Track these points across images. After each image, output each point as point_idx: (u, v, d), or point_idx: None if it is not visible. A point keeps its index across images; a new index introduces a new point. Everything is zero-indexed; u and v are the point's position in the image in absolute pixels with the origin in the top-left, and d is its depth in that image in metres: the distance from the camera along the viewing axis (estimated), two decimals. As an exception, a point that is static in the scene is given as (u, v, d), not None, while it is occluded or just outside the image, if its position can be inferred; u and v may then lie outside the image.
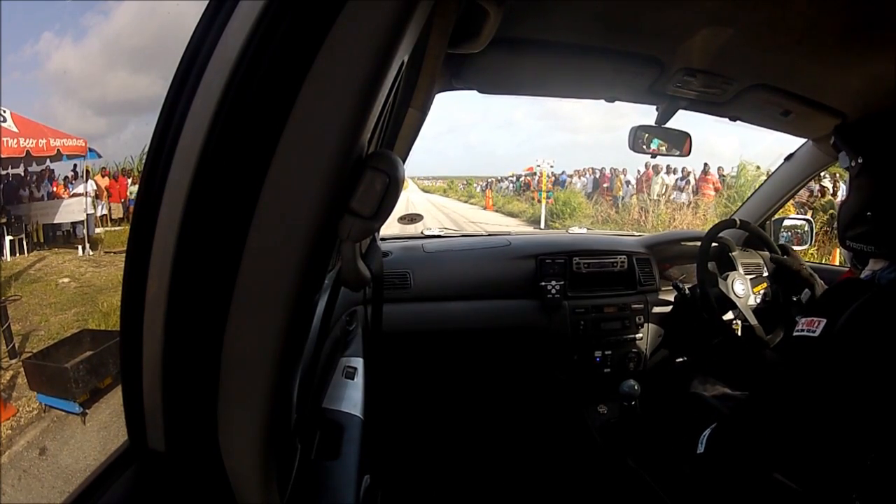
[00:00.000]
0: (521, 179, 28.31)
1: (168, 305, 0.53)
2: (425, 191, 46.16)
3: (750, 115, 1.76)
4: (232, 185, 0.50)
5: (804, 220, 2.29)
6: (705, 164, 14.20)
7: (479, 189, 39.08)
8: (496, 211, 22.64)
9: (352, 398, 1.21)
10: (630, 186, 15.93)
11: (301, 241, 0.51)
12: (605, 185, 17.41)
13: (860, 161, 1.18)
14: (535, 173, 24.70)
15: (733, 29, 1.19)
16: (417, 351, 1.89)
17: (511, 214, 20.10)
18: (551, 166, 18.98)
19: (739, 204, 2.57)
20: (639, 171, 15.78)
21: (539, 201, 17.83)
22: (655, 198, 14.47)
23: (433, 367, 1.96)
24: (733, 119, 1.77)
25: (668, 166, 14.66)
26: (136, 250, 0.55)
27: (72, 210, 10.33)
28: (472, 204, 30.10)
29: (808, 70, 1.39)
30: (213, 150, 0.50)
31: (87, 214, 10.37)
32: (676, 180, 14.49)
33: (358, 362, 1.36)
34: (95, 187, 11.56)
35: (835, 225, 1.47)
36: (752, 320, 1.78)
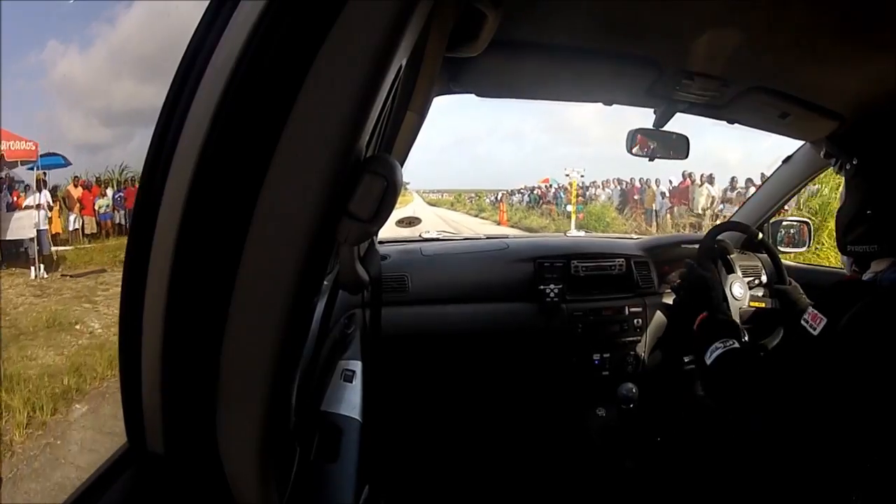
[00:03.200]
0: (534, 192, 27.04)
1: (167, 308, 0.53)
2: (432, 204, 43.21)
3: (748, 118, 1.77)
4: (231, 187, 0.51)
5: (802, 221, 2.29)
6: (762, 174, 13.38)
7: (489, 202, 36.72)
8: (512, 226, 20.12)
9: (350, 401, 1.20)
10: (665, 199, 14.89)
11: (299, 243, 0.51)
12: (635, 198, 16.40)
13: (855, 163, 1.18)
14: (550, 185, 24.13)
15: (731, 31, 1.19)
16: (416, 354, 1.89)
17: (530, 230, 17.55)
18: (581, 176, 17.40)
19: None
20: (671, 182, 14.76)
21: (565, 215, 16.65)
22: (700, 211, 13.42)
23: (431, 370, 1.96)
24: (731, 122, 1.77)
25: (710, 175, 13.69)
26: (135, 252, 0.55)
27: (22, 225, 9.14)
28: (482, 218, 27.68)
29: (806, 72, 1.40)
30: (213, 153, 0.50)
31: (39, 230, 9.13)
32: (725, 190, 13.46)
33: (356, 365, 1.36)
34: (50, 199, 10.17)
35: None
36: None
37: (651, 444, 1.96)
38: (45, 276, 8.49)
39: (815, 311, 1.08)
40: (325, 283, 0.99)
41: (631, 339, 2.10)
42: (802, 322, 1.09)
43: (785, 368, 1.13)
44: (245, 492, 0.59)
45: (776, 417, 1.10)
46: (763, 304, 1.92)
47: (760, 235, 1.91)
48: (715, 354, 1.26)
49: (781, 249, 2.10)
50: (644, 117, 1.76)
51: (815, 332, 1.06)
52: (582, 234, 2.73)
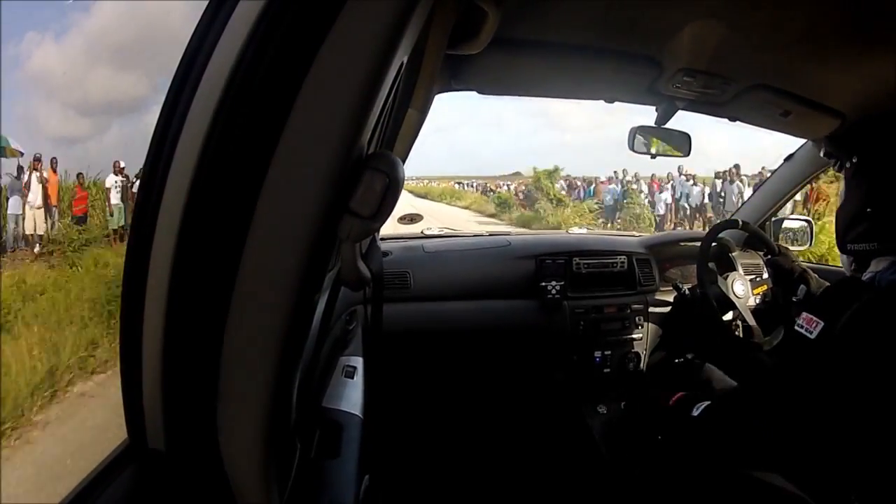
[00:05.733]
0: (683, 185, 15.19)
1: (168, 304, 0.53)
2: (422, 195, 30.22)
3: (749, 116, 1.76)
4: (232, 184, 0.51)
5: (804, 220, 2.29)
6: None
7: (509, 189, 23.37)
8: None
9: (351, 397, 1.21)
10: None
11: (301, 240, 0.51)
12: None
13: (855, 161, 1.18)
14: (728, 175, 13.79)
15: (732, 29, 1.19)
16: (417, 351, 1.89)
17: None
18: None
19: None
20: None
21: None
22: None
23: (432, 366, 1.97)
24: (733, 119, 1.77)
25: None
26: (136, 250, 0.55)
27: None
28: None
29: (808, 70, 1.39)
30: (214, 150, 0.51)
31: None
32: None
33: (357, 361, 1.36)
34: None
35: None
36: (751, 321, 1.78)
37: (652, 441, 1.96)
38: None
39: (810, 315, 1.07)
40: (327, 280, 1.00)
41: (632, 336, 2.10)
42: (797, 328, 1.09)
43: (783, 373, 1.13)
44: (246, 488, 0.59)
45: (779, 422, 1.09)
46: (764, 287, 1.93)
47: (741, 222, 1.92)
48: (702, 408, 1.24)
49: (782, 245, 2.10)
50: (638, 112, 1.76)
51: (812, 336, 1.05)
52: (584, 231, 2.73)
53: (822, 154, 1.25)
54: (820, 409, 1.03)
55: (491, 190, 30.12)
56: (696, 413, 1.23)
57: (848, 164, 1.19)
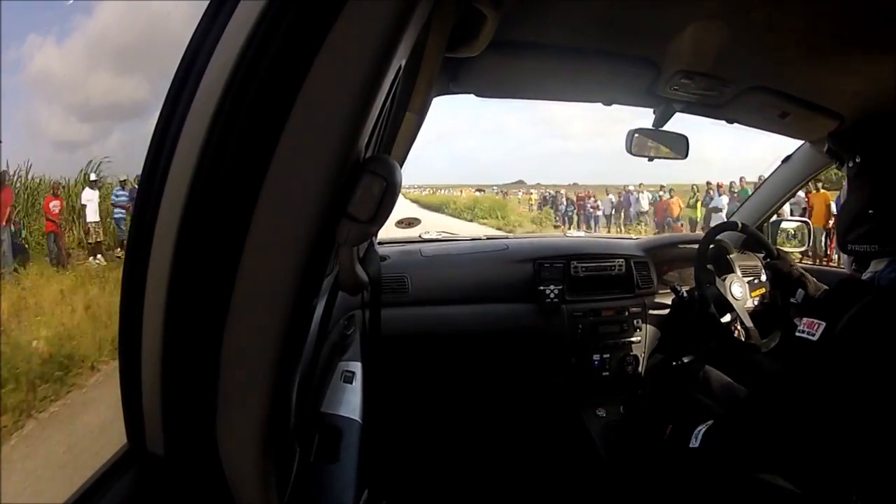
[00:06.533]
0: None
1: (167, 308, 0.53)
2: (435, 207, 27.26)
3: (748, 118, 1.77)
4: (230, 188, 0.51)
5: (801, 221, 2.30)
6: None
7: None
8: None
9: (350, 402, 1.20)
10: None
11: (299, 245, 0.51)
12: None
13: (858, 161, 1.18)
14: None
15: (730, 31, 1.19)
16: (415, 355, 1.89)
17: None
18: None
19: None
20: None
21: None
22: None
23: (431, 371, 1.96)
24: (730, 121, 1.77)
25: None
26: (135, 253, 0.55)
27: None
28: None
29: (806, 72, 1.40)
30: (213, 152, 0.51)
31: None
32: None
33: (356, 366, 1.36)
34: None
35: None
36: (748, 322, 1.78)
37: (652, 444, 1.96)
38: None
39: (811, 319, 1.07)
40: (325, 284, 0.99)
41: (630, 339, 2.10)
42: (798, 334, 1.09)
43: (788, 377, 1.13)
44: (245, 493, 0.59)
45: (781, 425, 1.09)
46: (762, 290, 1.93)
47: (741, 224, 1.92)
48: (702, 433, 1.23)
49: (781, 249, 2.10)
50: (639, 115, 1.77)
51: (815, 338, 1.05)
52: (581, 234, 2.73)
53: (824, 151, 1.25)
54: (822, 409, 1.03)
55: (572, 202, 20.96)
56: (695, 444, 1.23)
57: (851, 164, 1.19)
